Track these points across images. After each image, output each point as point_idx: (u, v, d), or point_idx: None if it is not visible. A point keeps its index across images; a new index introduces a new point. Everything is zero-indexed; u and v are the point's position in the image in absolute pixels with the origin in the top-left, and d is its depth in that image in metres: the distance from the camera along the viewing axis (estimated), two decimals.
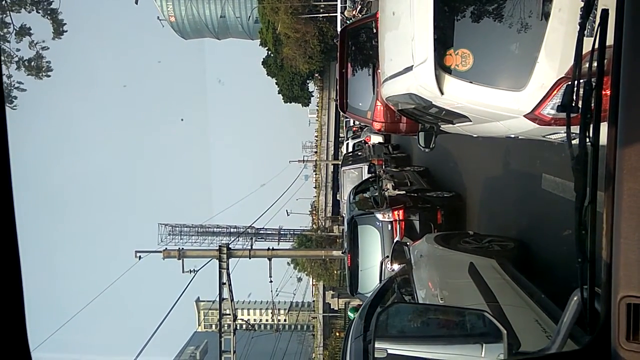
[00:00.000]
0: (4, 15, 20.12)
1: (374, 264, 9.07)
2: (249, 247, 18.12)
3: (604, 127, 1.73)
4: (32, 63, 20.50)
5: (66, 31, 21.32)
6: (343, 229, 17.05)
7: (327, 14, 36.83)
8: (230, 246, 16.51)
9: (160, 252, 16.60)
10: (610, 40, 1.71)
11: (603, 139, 1.72)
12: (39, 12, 20.74)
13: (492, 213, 8.76)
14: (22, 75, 20.86)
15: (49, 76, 21.23)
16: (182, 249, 16.94)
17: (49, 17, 20.88)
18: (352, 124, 35.82)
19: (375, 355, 2.54)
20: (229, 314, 16.56)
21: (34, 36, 20.70)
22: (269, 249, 17.42)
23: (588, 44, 1.94)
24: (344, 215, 19.13)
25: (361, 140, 26.25)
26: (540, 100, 3.47)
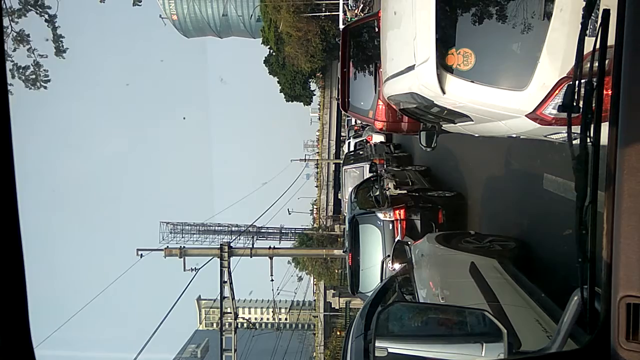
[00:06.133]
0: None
1: (375, 263, 9.07)
2: (250, 246, 18.10)
3: (604, 127, 1.73)
4: (29, 73, 20.26)
5: (67, 48, 21.10)
6: (344, 228, 17.04)
7: (329, 13, 36.79)
8: (231, 245, 16.54)
9: (161, 250, 16.64)
10: (611, 40, 1.72)
11: (604, 139, 1.73)
12: (39, 15, 20.53)
13: (494, 213, 8.76)
14: (16, 80, 20.65)
15: (46, 88, 20.95)
16: (184, 247, 16.97)
17: (49, 25, 20.66)
18: (353, 123, 35.84)
19: (376, 354, 2.54)
20: (230, 313, 16.59)
21: (32, 43, 20.51)
22: (270, 248, 17.42)
23: (590, 44, 1.94)
24: (345, 214, 19.14)
25: (363, 140, 26.25)
26: (542, 100, 3.47)
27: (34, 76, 20.36)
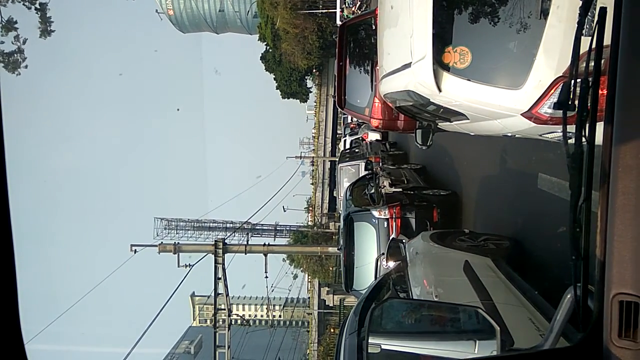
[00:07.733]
0: None
1: (369, 260, 9.08)
2: (245, 243, 18.06)
3: (600, 126, 1.74)
4: (9, 58, 20.05)
5: (53, 31, 20.90)
6: (339, 226, 17.06)
7: (326, 10, 36.70)
8: (226, 241, 16.49)
9: (155, 246, 16.56)
10: (607, 39, 1.72)
11: (599, 138, 1.73)
12: (25, 5, 20.31)
13: (488, 211, 8.79)
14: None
15: (19, 74, 20.68)
16: (178, 243, 16.89)
17: (37, 12, 20.48)
18: (349, 120, 35.79)
19: (369, 351, 2.55)
20: (224, 309, 16.57)
21: (19, 30, 20.29)
22: (264, 245, 17.39)
23: (586, 43, 1.94)
24: (340, 211, 19.15)
25: (359, 137, 26.26)
26: (538, 99, 3.47)
27: (14, 61, 20.22)
